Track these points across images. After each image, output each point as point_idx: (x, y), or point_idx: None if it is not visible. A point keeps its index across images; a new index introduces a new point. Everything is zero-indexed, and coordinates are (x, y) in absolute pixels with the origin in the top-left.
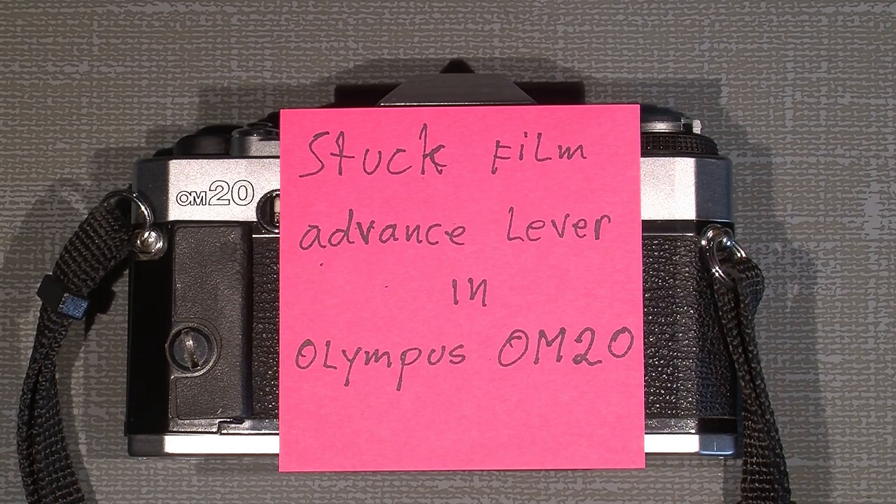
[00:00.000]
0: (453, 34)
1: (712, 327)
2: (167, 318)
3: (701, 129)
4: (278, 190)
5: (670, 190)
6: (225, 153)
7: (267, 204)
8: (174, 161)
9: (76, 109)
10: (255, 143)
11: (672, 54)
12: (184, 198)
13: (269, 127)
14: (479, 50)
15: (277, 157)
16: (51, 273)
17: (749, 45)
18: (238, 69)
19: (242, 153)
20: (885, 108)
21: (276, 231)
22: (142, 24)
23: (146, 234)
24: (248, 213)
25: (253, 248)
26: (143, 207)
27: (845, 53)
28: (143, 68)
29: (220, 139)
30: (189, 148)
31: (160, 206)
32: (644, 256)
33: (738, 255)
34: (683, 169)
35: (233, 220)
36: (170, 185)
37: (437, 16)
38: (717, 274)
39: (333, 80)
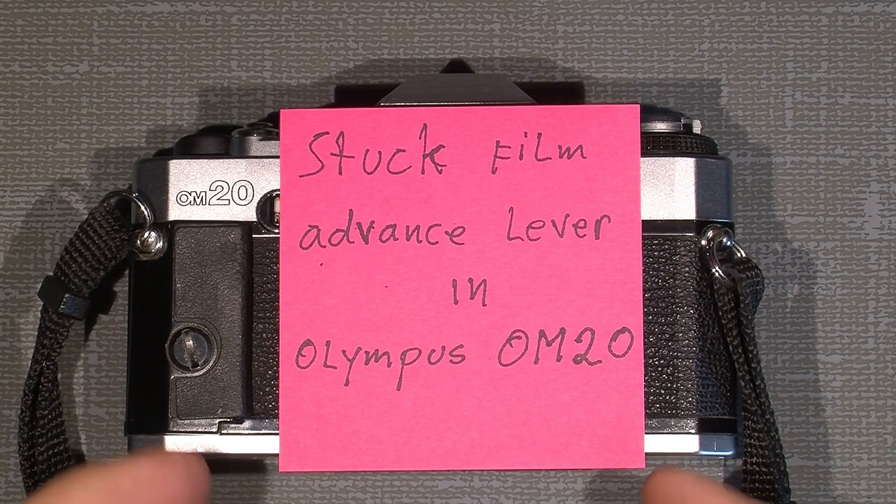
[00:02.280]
0: (453, 34)
1: (712, 327)
2: (167, 318)
3: (701, 129)
4: (278, 190)
5: (670, 190)
6: (225, 153)
7: (267, 204)
8: (174, 161)
9: (76, 109)
10: (255, 143)
11: (672, 54)
12: (184, 198)
13: (269, 127)
14: (479, 50)
15: (277, 157)
16: (51, 273)
17: (749, 45)
18: (238, 69)
19: (242, 153)
20: (885, 108)
21: (276, 231)
22: (142, 24)
23: (146, 234)
24: (248, 213)
25: (253, 248)
26: (143, 207)
27: (845, 53)
28: (143, 68)
29: (220, 139)
30: (189, 148)
31: (160, 206)
32: (644, 256)
33: (738, 255)
34: (683, 169)
35: (233, 220)
36: (170, 185)
37: (437, 16)
38: (717, 274)
39: (333, 80)
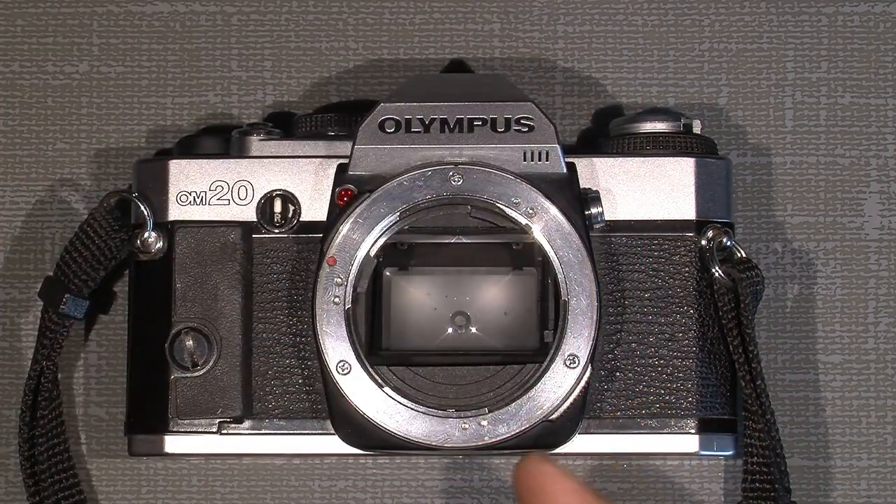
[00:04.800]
0: (453, 34)
1: (712, 327)
2: (167, 318)
3: (701, 129)
4: (278, 190)
5: (670, 190)
6: (225, 153)
7: (267, 204)
8: (174, 161)
9: (76, 109)
10: (255, 143)
11: (672, 54)
12: (184, 198)
13: (269, 127)
14: (479, 50)
15: (277, 157)
16: (51, 274)
17: (749, 45)
18: (238, 69)
19: (242, 153)
20: (885, 108)
21: (276, 231)
22: (142, 24)
23: (146, 234)
24: (248, 213)
25: (253, 247)
26: (143, 207)
27: (845, 53)
28: (143, 68)
29: (220, 139)
30: (189, 148)
31: (160, 206)
32: (644, 256)
33: (738, 255)
34: (683, 169)
35: (233, 220)
36: (170, 185)
37: (437, 16)
38: (717, 274)
39: (333, 80)
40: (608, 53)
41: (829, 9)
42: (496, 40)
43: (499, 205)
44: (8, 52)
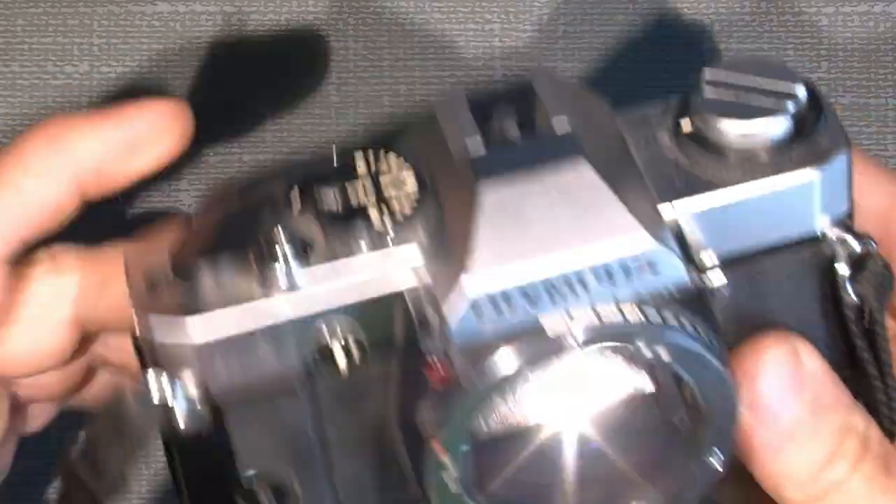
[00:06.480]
0: (453, 34)
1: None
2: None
3: None
4: None
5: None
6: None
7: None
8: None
9: (76, 109)
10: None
11: (672, 54)
12: None
13: None
14: (480, 50)
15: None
16: None
17: (749, 45)
18: None
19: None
20: (885, 108)
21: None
22: (142, 24)
23: None
24: None
25: None
26: None
27: (845, 53)
28: (143, 68)
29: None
30: None
31: None
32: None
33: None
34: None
35: None
36: None
37: (437, 16)
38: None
39: (333, 80)
40: (608, 53)
41: (828, 9)
42: (496, 40)
43: None
44: (8, 52)
